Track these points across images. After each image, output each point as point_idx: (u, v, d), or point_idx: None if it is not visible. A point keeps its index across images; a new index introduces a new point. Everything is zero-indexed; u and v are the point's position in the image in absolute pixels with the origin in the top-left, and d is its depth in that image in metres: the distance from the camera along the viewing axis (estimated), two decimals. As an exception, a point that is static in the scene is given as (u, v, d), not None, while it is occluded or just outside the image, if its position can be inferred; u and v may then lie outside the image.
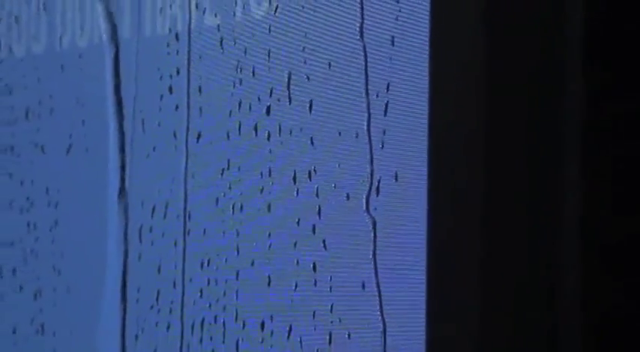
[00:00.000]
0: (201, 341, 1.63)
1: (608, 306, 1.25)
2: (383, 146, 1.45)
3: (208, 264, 1.62)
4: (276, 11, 1.57)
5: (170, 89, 1.66)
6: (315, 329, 1.51)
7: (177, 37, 1.67)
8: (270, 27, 1.57)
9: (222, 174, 1.61)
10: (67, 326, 1.79)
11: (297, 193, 1.53)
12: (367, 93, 1.46)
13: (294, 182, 1.54)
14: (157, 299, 1.68)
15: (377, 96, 1.45)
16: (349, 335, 1.48)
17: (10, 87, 1.87)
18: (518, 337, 1.28)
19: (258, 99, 1.58)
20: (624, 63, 1.27)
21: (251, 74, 1.59)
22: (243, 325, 1.58)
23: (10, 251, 1.86)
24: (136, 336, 1.70)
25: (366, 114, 1.46)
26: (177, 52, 1.67)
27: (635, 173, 1.26)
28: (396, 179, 1.43)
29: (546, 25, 1.28)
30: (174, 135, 1.66)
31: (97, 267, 1.75)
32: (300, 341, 1.52)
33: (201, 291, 1.63)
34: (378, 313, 1.45)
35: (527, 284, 1.28)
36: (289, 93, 1.55)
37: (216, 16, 1.63)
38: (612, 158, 1.26)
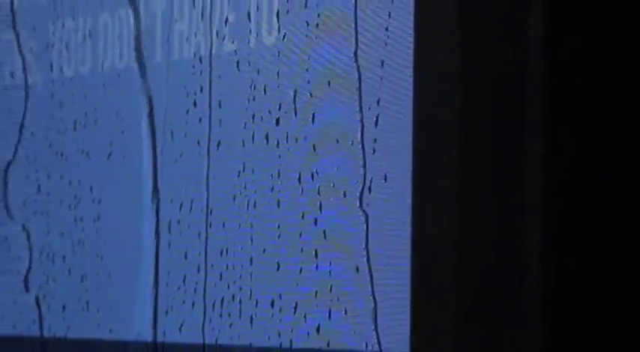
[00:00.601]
0: (220, 316, 1.62)
1: (564, 282, 1.25)
2: (374, 152, 1.44)
3: (227, 252, 1.62)
4: (284, 39, 1.56)
5: (194, 104, 1.65)
6: (317, 306, 1.50)
7: (200, 60, 1.66)
8: (278, 52, 1.57)
9: (238, 175, 1.60)
10: (108, 304, 1.79)
11: (302, 192, 1.53)
12: (361, 108, 1.45)
13: (299, 182, 1.53)
14: (184, 281, 1.67)
15: (369, 109, 1.45)
16: (345, 311, 1.47)
17: (61, 102, 1.86)
18: (489, 308, 1.27)
19: (269, 112, 1.57)
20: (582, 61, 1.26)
21: (263, 91, 1.58)
22: (256, 303, 1.58)
23: (61, 241, 1.85)
24: (166, 312, 1.69)
25: (359, 125, 1.46)
26: (201, 72, 1.66)
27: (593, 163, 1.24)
28: (385, 180, 1.42)
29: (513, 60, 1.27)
30: (198, 143, 1.65)
31: (133, 255, 1.74)
32: (305, 317, 1.52)
33: (220, 275, 1.63)
34: (370, 293, 1.44)
35: (495, 266, 1.27)
36: (295, 108, 1.54)
37: (233, 42, 1.62)
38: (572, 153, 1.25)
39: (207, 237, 1.64)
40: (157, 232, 1.71)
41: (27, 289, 1.91)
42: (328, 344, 1.49)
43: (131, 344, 1.73)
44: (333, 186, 1.49)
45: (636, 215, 1.18)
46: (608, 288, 1.23)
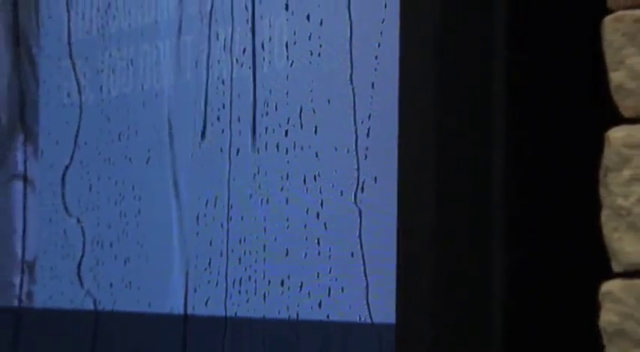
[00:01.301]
0: (239, 293, 1.62)
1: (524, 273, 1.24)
2: (366, 158, 1.44)
3: (244, 240, 1.61)
4: (291, 65, 1.55)
5: (218, 118, 1.65)
6: (319, 285, 1.50)
7: (222, 82, 1.66)
8: (287, 75, 1.56)
9: (254, 177, 1.60)
10: (147, 283, 1.78)
11: (307, 191, 1.52)
12: (355, 121, 1.45)
13: (304, 183, 1.53)
14: (209, 264, 1.66)
15: (362, 123, 1.44)
16: (342, 289, 1.47)
17: (108, 117, 1.85)
18: (460, 285, 1.26)
19: (279, 125, 1.57)
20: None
21: (274, 108, 1.58)
22: (269, 282, 1.57)
23: (108, 231, 1.85)
24: (195, 289, 1.69)
25: (354, 136, 1.45)
26: (223, 92, 1.65)
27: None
28: (375, 181, 1.42)
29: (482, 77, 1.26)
30: (221, 150, 1.65)
31: (167, 242, 1.74)
32: (308, 294, 1.51)
33: (239, 259, 1.62)
34: (363, 274, 1.43)
35: (466, 251, 1.26)
36: (300, 122, 1.54)
37: (249, 68, 1.62)
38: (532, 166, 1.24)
39: (228, 228, 1.63)
40: (181, 224, 1.71)
41: (81, 271, 1.90)
42: (328, 317, 1.48)
43: (166, 315, 1.73)
44: (332, 186, 1.49)
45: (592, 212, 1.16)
46: (562, 272, 1.21)
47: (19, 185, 2.04)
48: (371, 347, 1.41)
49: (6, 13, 2.07)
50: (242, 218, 1.61)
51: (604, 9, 1.11)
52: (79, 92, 1.92)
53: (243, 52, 1.63)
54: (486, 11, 1.24)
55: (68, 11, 1.93)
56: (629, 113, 1.10)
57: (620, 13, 1.10)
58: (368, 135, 1.44)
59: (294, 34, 1.55)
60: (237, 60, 1.63)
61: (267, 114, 1.59)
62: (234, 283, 1.62)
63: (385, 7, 1.40)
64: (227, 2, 1.65)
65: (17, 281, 2.02)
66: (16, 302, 2.02)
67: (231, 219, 1.63)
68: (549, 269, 1.22)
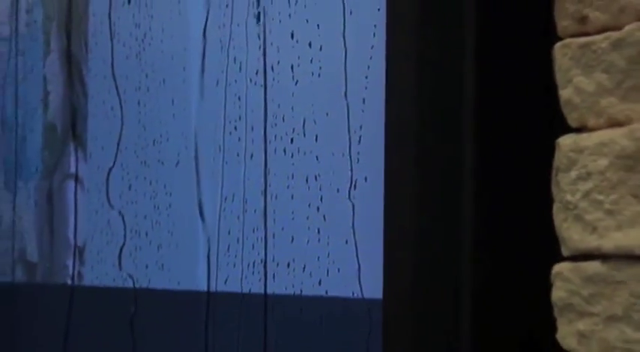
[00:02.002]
0: (253, 273, 1.61)
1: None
2: (358, 161, 1.43)
3: (257, 229, 1.61)
4: (296, 84, 1.55)
5: (235, 128, 1.64)
6: (318, 267, 1.50)
7: (239, 98, 1.66)
8: (293, 92, 1.56)
9: (265, 177, 1.60)
10: (177, 265, 1.78)
11: (309, 188, 1.52)
12: (349, 130, 1.45)
13: (307, 182, 1.52)
14: (228, 249, 1.67)
15: (354, 132, 1.44)
16: (338, 270, 1.46)
17: (144, 126, 1.85)
18: (438, 264, 1.26)
19: (286, 134, 1.56)
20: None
21: (282, 119, 1.58)
22: (277, 264, 1.57)
23: (144, 221, 1.85)
24: (216, 270, 1.69)
25: (348, 143, 1.45)
26: (239, 107, 1.65)
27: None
28: (366, 180, 1.41)
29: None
30: (237, 155, 1.64)
31: (192, 231, 1.73)
32: (310, 274, 1.51)
33: (252, 245, 1.62)
34: (355, 258, 1.43)
35: (442, 238, 1.25)
36: (304, 131, 1.53)
37: (261, 86, 1.62)
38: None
39: (243, 220, 1.63)
40: (202, 215, 1.71)
41: (121, 255, 1.89)
42: (326, 292, 1.48)
43: (192, 292, 1.72)
44: (330, 184, 1.48)
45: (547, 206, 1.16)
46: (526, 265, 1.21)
47: (71, 184, 2.04)
48: (362, 319, 1.40)
49: (61, 41, 2.07)
50: (255, 211, 1.61)
51: (555, 37, 1.11)
52: (120, 106, 1.91)
53: (256, 73, 1.63)
54: (458, 44, 1.23)
55: (111, 40, 1.93)
56: (575, 123, 1.09)
57: (567, 40, 1.10)
58: (359, 142, 1.43)
59: (298, 58, 1.55)
60: (250, 79, 1.63)
61: (275, 124, 1.59)
62: (248, 265, 1.62)
63: (374, 36, 1.40)
64: (242, 32, 1.65)
65: (70, 263, 2.02)
66: (69, 281, 2.02)
67: (246, 211, 1.63)
68: (511, 254, 1.21)
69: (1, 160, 2.23)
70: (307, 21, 1.53)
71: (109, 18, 1.93)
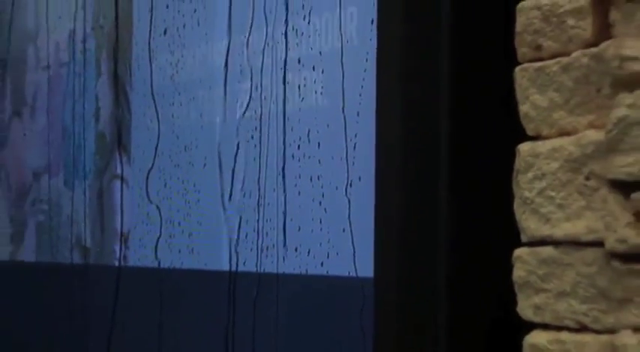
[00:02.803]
0: (266, 256, 1.62)
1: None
2: (354, 164, 1.43)
3: (270, 220, 1.61)
4: (302, 101, 1.55)
5: (252, 137, 1.64)
6: (321, 251, 1.50)
7: (254, 112, 1.65)
8: (300, 108, 1.56)
9: (277, 177, 1.60)
10: (204, 250, 1.78)
11: (312, 186, 1.52)
12: (345, 139, 1.45)
13: (311, 181, 1.52)
14: (246, 236, 1.67)
15: (350, 140, 1.44)
16: (337, 253, 1.46)
17: (177, 136, 1.85)
18: (419, 249, 1.25)
19: (294, 141, 1.56)
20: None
21: (291, 130, 1.58)
22: (287, 249, 1.57)
23: (177, 214, 1.85)
24: (237, 254, 1.69)
25: (345, 149, 1.45)
26: (255, 119, 1.65)
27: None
28: (360, 180, 1.41)
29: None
30: (254, 160, 1.64)
31: (217, 222, 1.74)
32: (314, 257, 1.51)
33: (267, 233, 1.62)
34: (351, 244, 1.43)
35: (423, 229, 1.25)
36: (309, 139, 1.53)
37: (273, 103, 1.62)
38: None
39: (259, 212, 1.63)
40: (225, 209, 1.70)
41: (158, 241, 1.90)
42: (327, 272, 1.48)
43: (216, 272, 1.72)
44: (330, 183, 1.48)
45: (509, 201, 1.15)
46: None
47: (117, 182, 2.04)
48: (356, 293, 1.40)
49: (109, 65, 2.07)
50: (269, 204, 1.61)
51: (516, 62, 1.11)
52: (158, 119, 1.91)
53: (270, 93, 1.62)
54: (436, 70, 1.23)
55: (150, 64, 1.93)
56: (532, 133, 1.09)
57: (525, 65, 1.10)
58: (354, 148, 1.43)
59: (304, 79, 1.55)
60: (265, 97, 1.63)
61: (285, 134, 1.58)
62: (263, 249, 1.62)
63: (366, 60, 1.40)
64: (258, 58, 1.65)
65: (117, 248, 2.02)
66: (116, 263, 2.02)
67: (261, 205, 1.62)
68: (480, 239, 1.21)
69: (62, 163, 2.23)
70: (311, 48, 1.53)
71: (149, 46, 1.93)
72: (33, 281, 2.33)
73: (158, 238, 1.89)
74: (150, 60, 1.93)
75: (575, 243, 1.03)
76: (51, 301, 2.25)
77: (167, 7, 1.88)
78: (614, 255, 0.97)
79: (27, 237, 2.35)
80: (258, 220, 1.62)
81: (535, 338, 1.07)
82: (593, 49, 1.03)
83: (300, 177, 1.54)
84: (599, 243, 1.00)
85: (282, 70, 1.59)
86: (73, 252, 2.16)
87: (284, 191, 1.57)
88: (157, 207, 1.90)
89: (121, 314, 1.98)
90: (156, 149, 1.91)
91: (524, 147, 1.09)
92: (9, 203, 2.42)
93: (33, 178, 2.33)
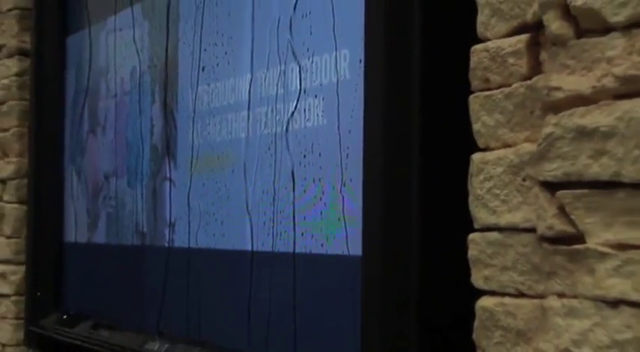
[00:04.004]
0: (280, 239, 1.61)
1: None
2: (347, 168, 1.43)
3: (282, 212, 1.60)
4: (307, 121, 1.55)
5: (269, 148, 1.64)
6: (322, 235, 1.49)
7: (271, 129, 1.65)
8: (305, 126, 1.55)
9: (288, 178, 1.59)
10: (232, 234, 1.77)
11: (315, 186, 1.51)
12: (340, 150, 1.44)
13: (313, 182, 1.51)
14: (264, 224, 1.65)
15: (344, 151, 1.43)
16: (334, 237, 1.46)
17: (212, 147, 1.84)
18: (398, 238, 1.25)
19: (301, 152, 1.56)
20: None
21: (298, 143, 1.57)
22: (295, 234, 1.56)
23: (212, 207, 1.85)
24: (257, 238, 1.68)
25: (339, 157, 1.44)
26: (273, 135, 1.64)
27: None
28: (351, 181, 1.41)
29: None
30: (270, 165, 1.64)
31: (242, 214, 1.73)
32: (316, 240, 1.50)
33: (280, 222, 1.61)
34: (344, 230, 1.42)
35: (400, 220, 1.25)
36: (312, 150, 1.53)
37: (284, 124, 1.61)
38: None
39: (274, 206, 1.62)
40: (248, 204, 1.70)
41: (198, 228, 1.89)
42: (326, 251, 1.47)
43: (241, 251, 1.72)
44: (328, 183, 1.48)
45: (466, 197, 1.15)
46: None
47: (167, 183, 2.04)
48: (349, 268, 1.39)
49: (161, 95, 2.07)
50: (281, 200, 1.60)
51: (470, 91, 1.11)
52: (197, 134, 1.91)
53: (283, 115, 1.62)
54: (408, 98, 1.23)
55: (192, 94, 1.93)
56: (482, 145, 1.09)
57: (477, 93, 1.10)
58: (347, 157, 1.42)
59: (309, 105, 1.54)
60: (278, 119, 1.63)
61: (294, 146, 1.58)
62: (277, 234, 1.61)
63: (356, 90, 1.39)
64: (274, 90, 1.64)
65: (167, 233, 2.02)
66: (166, 244, 2.02)
67: (275, 201, 1.62)
68: (444, 225, 1.21)
69: (125, 168, 2.23)
70: (314, 81, 1.52)
71: (190, 80, 1.93)
72: (103, 258, 2.33)
73: (198, 226, 1.89)
74: (191, 90, 1.93)
75: (515, 229, 1.03)
76: (116, 273, 2.25)
77: (205, 50, 1.88)
78: (544, 239, 0.97)
79: (99, 225, 2.35)
80: (273, 212, 1.62)
81: (484, 301, 1.07)
82: (528, 82, 1.03)
83: (305, 179, 1.54)
84: (532, 230, 1.00)
85: (292, 98, 1.59)
86: (133, 235, 2.16)
87: (293, 190, 1.57)
88: (197, 202, 1.90)
89: (171, 283, 1.98)
90: (196, 158, 1.91)
91: (476, 156, 1.09)
92: (87, 199, 2.42)
93: (104, 180, 2.33)
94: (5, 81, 2.65)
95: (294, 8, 1.57)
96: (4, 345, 2.63)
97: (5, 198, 2.65)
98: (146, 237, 2.10)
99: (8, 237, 2.63)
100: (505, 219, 1.04)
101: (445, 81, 1.20)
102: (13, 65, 2.62)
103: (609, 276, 0.87)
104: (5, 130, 2.66)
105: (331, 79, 1.47)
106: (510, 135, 1.05)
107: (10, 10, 2.63)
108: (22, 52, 2.60)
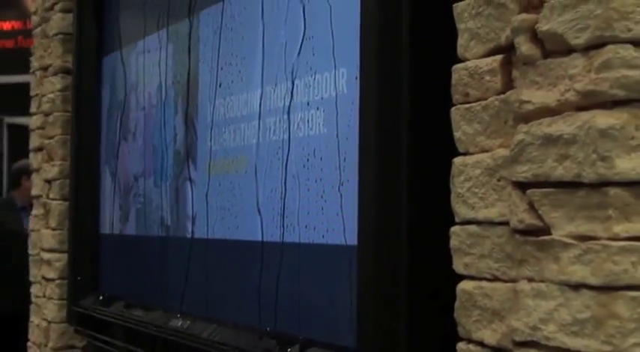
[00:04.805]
0: (287, 231, 1.60)
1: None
2: (344, 170, 1.42)
3: (289, 208, 1.59)
4: (310, 129, 1.54)
5: (277, 153, 1.63)
6: (322, 228, 1.48)
7: (279, 137, 1.64)
8: (308, 134, 1.54)
9: (293, 181, 1.58)
10: (245, 227, 1.76)
11: (317, 186, 1.50)
12: (339, 155, 1.43)
13: (316, 182, 1.50)
14: (273, 218, 1.64)
15: (342, 155, 1.42)
16: (333, 230, 1.44)
17: (227, 152, 1.83)
18: (388, 228, 1.24)
19: (304, 156, 1.54)
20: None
21: (302, 149, 1.55)
22: (299, 227, 1.55)
23: (227, 203, 1.84)
24: (267, 230, 1.67)
25: (338, 161, 1.43)
26: (280, 142, 1.63)
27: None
28: (348, 181, 1.40)
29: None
30: (278, 168, 1.62)
31: (253, 209, 1.71)
32: (318, 231, 1.49)
33: (287, 216, 1.60)
34: (342, 223, 1.41)
35: (390, 214, 1.23)
36: (314, 155, 1.51)
37: (289, 133, 1.60)
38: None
39: (283, 202, 1.61)
40: (258, 201, 1.69)
41: (215, 221, 1.88)
42: (327, 242, 1.46)
43: (252, 241, 1.71)
44: (329, 183, 1.46)
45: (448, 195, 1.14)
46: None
47: (188, 183, 2.03)
48: (346, 255, 1.38)
49: (183, 107, 2.06)
50: (288, 198, 1.59)
51: (452, 104, 1.10)
52: (214, 141, 1.90)
53: (289, 124, 1.61)
54: (398, 111, 1.22)
55: (210, 107, 1.92)
56: (462, 151, 1.09)
57: (458, 106, 1.10)
58: (345, 160, 1.41)
59: (312, 116, 1.53)
60: (285, 128, 1.62)
61: (299, 152, 1.57)
62: (284, 226, 1.60)
63: (352, 103, 1.38)
64: (281, 103, 1.63)
65: (189, 226, 2.01)
66: (188, 235, 2.01)
67: (282, 199, 1.60)
68: (429, 219, 1.19)
69: (152, 170, 2.22)
70: (316, 95, 1.51)
71: (209, 95, 1.93)
72: (134, 247, 2.32)
73: (215, 220, 1.88)
74: (209, 103, 1.92)
75: (491, 223, 1.03)
76: (145, 260, 2.24)
77: (221, 69, 1.87)
78: (516, 231, 0.96)
79: (130, 219, 2.34)
80: (280, 208, 1.61)
81: (464, 285, 1.06)
82: (502, 96, 1.03)
83: (308, 179, 1.53)
84: (506, 223, 1.00)
85: (297, 110, 1.58)
86: (159, 228, 2.15)
87: (298, 188, 1.56)
88: (214, 199, 1.89)
89: (194, 270, 1.97)
90: (213, 161, 1.90)
91: (457, 160, 1.09)
92: (119, 196, 2.42)
93: (134, 180, 2.32)
94: (51, 95, 2.68)
95: (299, 33, 1.56)
96: (49, 322, 2.63)
97: (51, 195, 2.67)
98: (170, 229, 2.09)
99: (53, 229, 2.64)
100: (482, 214, 1.04)
101: (430, 95, 1.19)
102: (58, 82, 2.65)
103: (572, 263, 0.87)
104: (51, 138, 2.68)
105: (331, 94, 1.46)
106: (487, 141, 1.05)
107: (55, 34, 2.66)
108: (65, 71, 2.63)
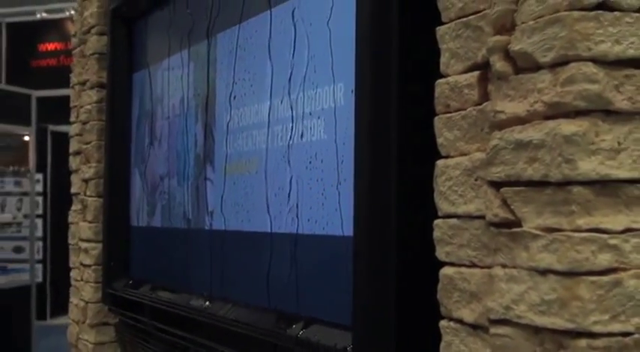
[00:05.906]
0: (292, 223, 1.59)
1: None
2: (342, 171, 1.41)
3: (295, 205, 1.58)
4: (312, 136, 1.53)
5: (283, 156, 1.61)
6: (323, 221, 1.47)
7: (286, 142, 1.63)
8: (310, 140, 1.53)
9: (297, 179, 1.56)
10: (256, 219, 1.75)
11: (318, 185, 1.49)
12: (337, 158, 1.42)
13: (317, 181, 1.49)
14: (280, 212, 1.63)
15: (339, 158, 1.42)
16: (332, 223, 1.44)
17: (240, 155, 1.82)
18: (382, 220, 1.23)
19: (307, 159, 1.53)
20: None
21: (305, 152, 1.55)
22: (301, 220, 1.54)
23: (241, 199, 1.82)
24: (275, 223, 1.66)
25: (336, 163, 1.42)
26: (287, 147, 1.62)
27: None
28: (345, 181, 1.39)
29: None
30: (285, 170, 1.61)
31: (263, 205, 1.70)
32: (319, 224, 1.48)
33: (292, 211, 1.59)
34: (340, 217, 1.40)
35: (382, 209, 1.22)
36: (316, 158, 1.51)
37: (293, 139, 1.59)
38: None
39: (289, 199, 1.60)
40: (267, 198, 1.68)
41: (230, 214, 1.87)
42: (327, 233, 1.45)
43: (263, 232, 1.70)
44: (328, 182, 1.46)
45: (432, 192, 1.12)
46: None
47: (207, 182, 2.02)
48: (344, 245, 1.38)
49: (203, 116, 2.06)
50: (293, 195, 1.58)
51: (435, 113, 1.09)
52: (229, 146, 1.89)
53: (294, 131, 1.60)
54: (388, 122, 1.21)
55: (227, 116, 1.91)
56: (444, 154, 1.08)
57: (441, 115, 1.09)
58: (342, 163, 1.41)
59: (313, 124, 1.53)
60: (290, 136, 1.61)
61: (302, 155, 1.56)
62: (289, 220, 1.59)
63: (349, 113, 1.38)
64: (287, 113, 1.63)
65: (207, 219, 2.00)
66: (207, 227, 2.00)
67: (288, 196, 1.60)
68: (416, 214, 1.19)
69: (175, 171, 2.21)
70: (317, 106, 1.51)
71: (225, 106, 1.92)
72: (160, 238, 2.32)
73: (230, 213, 1.87)
74: (225, 113, 1.92)
75: (469, 217, 1.02)
76: (169, 249, 2.23)
77: (236, 83, 1.86)
78: (491, 224, 0.96)
79: (156, 213, 2.33)
80: (286, 204, 1.60)
81: (446, 271, 1.05)
82: (479, 107, 1.02)
83: (310, 179, 1.52)
84: (482, 217, 0.99)
85: (300, 119, 1.57)
86: (182, 221, 2.15)
87: (302, 187, 1.55)
88: (230, 196, 1.88)
89: (216, 256, 1.96)
90: (227, 163, 1.89)
91: (440, 162, 1.08)
92: (147, 194, 2.41)
93: (160, 180, 2.32)
94: (88, 106, 2.71)
95: (304, 53, 1.56)
96: (87, 302, 2.66)
97: (87, 193, 2.70)
98: (191, 222, 2.09)
99: (90, 222, 2.66)
100: (462, 209, 1.03)
101: (416, 106, 1.18)
102: (94, 95, 2.69)
103: (540, 252, 0.87)
104: (88, 143, 2.72)
105: (330, 105, 1.46)
106: (466, 146, 1.04)
107: (92, 54, 2.71)
108: (99, 85, 2.68)
